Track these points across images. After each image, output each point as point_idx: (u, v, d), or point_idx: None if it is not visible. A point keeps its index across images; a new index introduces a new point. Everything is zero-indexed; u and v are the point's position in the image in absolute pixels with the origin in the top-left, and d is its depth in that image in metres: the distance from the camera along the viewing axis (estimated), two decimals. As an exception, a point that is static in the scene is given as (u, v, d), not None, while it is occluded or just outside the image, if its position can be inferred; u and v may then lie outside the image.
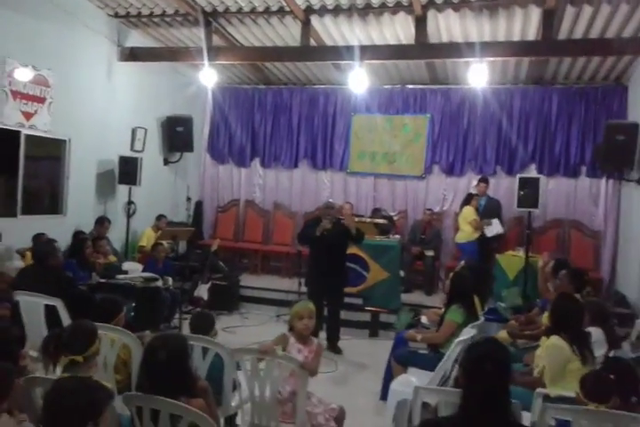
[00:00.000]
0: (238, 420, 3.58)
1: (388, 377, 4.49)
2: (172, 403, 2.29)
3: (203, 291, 7.39)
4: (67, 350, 2.57)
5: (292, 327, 3.48)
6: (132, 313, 5.45)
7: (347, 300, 6.74)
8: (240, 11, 7.12)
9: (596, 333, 3.75)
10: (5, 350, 2.59)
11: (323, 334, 6.28)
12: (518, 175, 7.09)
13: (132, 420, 2.44)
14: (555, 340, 3.37)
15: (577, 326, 3.43)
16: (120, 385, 3.34)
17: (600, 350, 3.76)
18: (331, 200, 7.15)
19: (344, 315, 6.61)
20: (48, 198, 6.93)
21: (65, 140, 6.92)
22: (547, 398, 3.07)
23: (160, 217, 8.24)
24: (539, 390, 3.26)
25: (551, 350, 3.37)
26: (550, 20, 6.26)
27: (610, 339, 3.85)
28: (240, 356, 3.19)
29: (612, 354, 3.80)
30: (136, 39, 8.04)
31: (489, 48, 6.53)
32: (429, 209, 8.81)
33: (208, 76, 7.59)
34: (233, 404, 3.37)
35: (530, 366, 3.79)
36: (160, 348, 2.41)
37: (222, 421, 3.21)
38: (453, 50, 6.80)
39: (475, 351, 2.02)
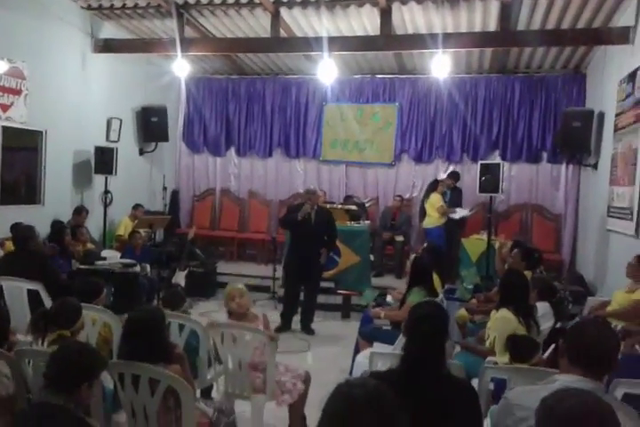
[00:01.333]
0: (214, 393, 3.87)
1: (356, 353, 4.78)
2: (151, 368, 2.55)
3: (180, 278, 7.58)
4: (55, 324, 2.80)
5: (230, 311, 3.73)
6: (111, 298, 5.66)
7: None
8: (211, 2, 7.28)
9: (542, 307, 4.08)
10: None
11: (296, 317, 6.57)
12: (480, 162, 7.40)
13: (115, 385, 2.69)
14: (503, 312, 3.68)
15: (522, 300, 3.74)
16: (102, 361, 3.58)
17: (547, 323, 4.10)
18: (312, 186, 7.37)
19: (317, 298, 6.87)
20: (26, 189, 7.05)
21: (41, 132, 7.04)
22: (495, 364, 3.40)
23: (137, 206, 8.41)
24: (489, 358, 3.59)
25: (500, 322, 3.67)
26: (508, 11, 6.55)
27: (557, 313, 4.18)
28: (213, 330, 3.45)
29: (558, 325, 4.15)
30: (109, 31, 8.16)
31: (451, 39, 6.81)
32: (399, 196, 9.12)
33: (181, 67, 7.77)
34: (208, 377, 3.64)
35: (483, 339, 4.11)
36: (139, 318, 2.67)
37: (198, 392, 3.48)
38: (418, 41, 7.07)
39: (415, 312, 2.31)
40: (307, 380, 3.60)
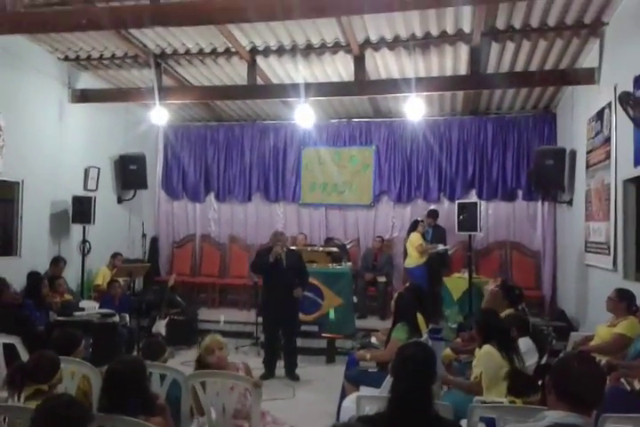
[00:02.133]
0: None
1: (343, 398, 4.68)
2: (132, 421, 2.47)
3: (160, 327, 7.45)
4: (31, 379, 2.71)
5: (207, 365, 3.56)
6: (90, 349, 5.52)
7: (303, 327, 6.95)
8: (188, 52, 7.44)
9: (524, 343, 4.08)
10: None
11: (280, 363, 6.46)
12: (457, 201, 7.50)
13: (94, 440, 2.59)
14: (486, 348, 3.69)
15: (502, 335, 3.76)
16: (81, 416, 3.46)
17: (532, 359, 4.08)
18: (279, 229, 7.39)
19: (300, 343, 6.77)
20: (1, 240, 6.96)
21: (18, 182, 7.00)
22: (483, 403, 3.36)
23: (115, 255, 8.32)
24: (476, 398, 3.54)
25: (484, 358, 3.67)
26: (477, 55, 6.77)
27: (540, 348, 4.18)
28: (195, 379, 3.37)
29: (543, 361, 4.13)
30: (87, 81, 8.25)
31: (424, 83, 7.01)
32: (379, 236, 9.17)
33: (159, 116, 7.84)
34: (191, 427, 3.53)
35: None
36: (119, 369, 2.60)
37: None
38: (391, 86, 7.27)
39: (401, 352, 2.29)
40: None
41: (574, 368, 2.06)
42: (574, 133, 7.40)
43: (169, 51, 7.42)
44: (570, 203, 7.62)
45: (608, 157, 5.77)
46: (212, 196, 10.29)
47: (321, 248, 8.50)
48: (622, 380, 3.63)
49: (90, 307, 6.61)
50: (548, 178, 7.65)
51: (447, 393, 4.04)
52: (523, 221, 8.99)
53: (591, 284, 6.54)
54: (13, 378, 2.80)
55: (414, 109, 7.11)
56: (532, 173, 8.19)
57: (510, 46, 6.72)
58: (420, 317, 4.73)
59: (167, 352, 3.76)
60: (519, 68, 7.24)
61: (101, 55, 7.63)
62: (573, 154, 7.38)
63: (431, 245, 8.16)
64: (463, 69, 7.38)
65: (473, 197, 8.90)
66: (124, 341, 6.36)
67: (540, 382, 3.38)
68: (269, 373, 6.27)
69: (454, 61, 7.22)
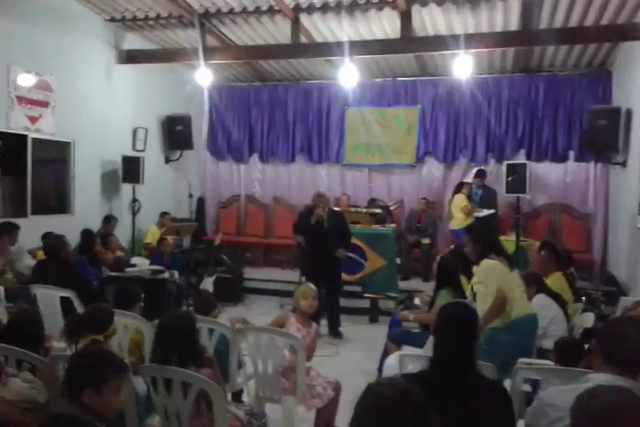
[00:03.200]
0: (244, 396, 3.89)
1: (385, 356, 4.75)
2: (183, 372, 2.58)
3: (208, 284, 7.63)
4: (88, 330, 2.85)
5: (297, 307, 3.75)
6: (142, 304, 5.72)
7: (346, 288, 7.01)
8: (231, 11, 7.37)
9: (540, 298, 4.18)
10: (33, 333, 2.88)
11: (324, 321, 6.58)
12: (506, 162, 7.33)
13: (148, 389, 2.73)
14: (486, 261, 3.79)
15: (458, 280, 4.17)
16: (134, 367, 3.62)
17: (551, 313, 4.15)
18: (321, 190, 7.39)
19: (344, 302, 6.88)
20: (56, 199, 7.20)
21: (69, 143, 7.19)
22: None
23: (164, 214, 8.52)
24: (520, 360, 3.53)
25: (492, 269, 3.78)
26: (529, 10, 6.50)
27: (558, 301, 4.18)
28: (244, 334, 3.47)
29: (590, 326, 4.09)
30: (133, 42, 8.30)
31: (473, 40, 6.77)
32: (424, 198, 9.07)
33: (204, 76, 7.86)
34: (239, 380, 3.66)
35: None
36: (171, 322, 2.70)
37: (229, 396, 3.51)
38: (439, 43, 7.04)
39: (443, 313, 2.30)
40: (337, 388, 3.59)
41: (621, 331, 2.04)
42: (631, 92, 7.07)
43: (212, 10, 7.36)
44: (624, 164, 7.35)
45: (667, 116, 5.52)
46: (255, 157, 10.33)
47: (364, 209, 8.48)
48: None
49: (141, 263, 6.83)
50: (601, 138, 7.37)
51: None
52: (574, 182, 8.73)
53: (643, 248, 6.37)
54: (70, 329, 2.93)
55: (462, 67, 6.91)
56: (585, 134, 7.90)
57: (564, 0, 6.40)
58: (463, 278, 4.71)
59: (217, 308, 3.87)
60: (573, 22, 6.89)
61: (146, 16, 7.64)
62: (629, 114, 7.07)
63: (477, 208, 8.02)
64: (514, 25, 7.08)
65: (522, 158, 8.66)
66: (173, 296, 6.57)
67: (586, 347, 3.36)
68: (313, 330, 6.39)
69: (505, 17, 6.93)
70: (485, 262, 3.84)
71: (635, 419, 1.49)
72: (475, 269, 4.02)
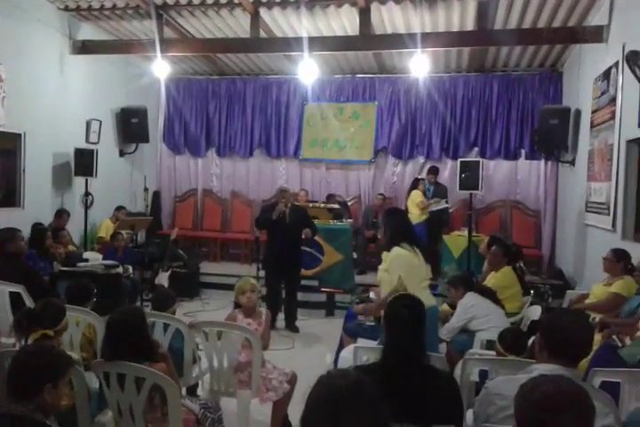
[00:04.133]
0: (199, 391, 3.89)
1: (340, 349, 4.82)
2: (136, 366, 2.57)
3: (163, 279, 7.55)
4: (38, 324, 2.80)
5: (238, 304, 3.78)
6: (94, 299, 5.63)
7: (303, 282, 7.05)
8: (190, 3, 7.28)
9: (471, 296, 4.42)
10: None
11: (281, 315, 6.62)
12: (459, 159, 7.48)
13: (100, 385, 2.70)
14: (396, 249, 3.73)
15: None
16: (86, 362, 3.58)
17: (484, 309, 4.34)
18: (284, 185, 7.41)
19: (301, 297, 6.94)
20: (5, 192, 6.99)
21: (20, 134, 6.98)
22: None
23: (119, 208, 8.38)
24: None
25: (398, 258, 3.72)
26: (485, 11, 6.64)
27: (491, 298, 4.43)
28: (198, 328, 3.47)
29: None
30: (88, 32, 8.11)
31: (430, 39, 6.87)
32: (381, 194, 9.19)
33: (161, 68, 7.75)
34: (193, 375, 3.66)
35: None
36: (119, 319, 2.69)
37: (184, 390, 3.50)
38: (396, 41, 7.12)
39: (392, 302, 2.37)
40: (292, 380, 3.63)
41: (564, 325, 2.13)
42: (580, 93, 7.31)
43: (170, 1, 7.25)
44: (572, 163, 7.61)
45: (613, 117, 5.73)
46: (213, 151, 10.26)
47: (322, 205, 8.54)
48: (614, 337, 3.73)
49: (93, 258, 6.69)
50: (551, 137, 7.61)
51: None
52: (524, 180, 8.99)
53: (590, 243, 6.61)
54: (20, 322, 2.88)
55: (419, 66, 7.03)
56: (536, 132, 8.14)
57: (519, 2, 6.57)
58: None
59: (175, 304, 3.85)
60: (527, 24, 7.09)
61: (102, 5, 7.47)
62: (578, 113, 7.31)
63: (432, 200, 8.18)
64: (470, 25, 7.23)
65: (475, 156, 8.87)
66: (127, 292, 6.49)
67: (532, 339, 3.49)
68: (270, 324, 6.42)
69: (461, 16, 7.07)
70: (395, 251, 3.74)
71: (573, 406, 1.57)
72: (384, 255, 3.91)
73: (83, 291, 3.84)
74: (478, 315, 4.33)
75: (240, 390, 3.49)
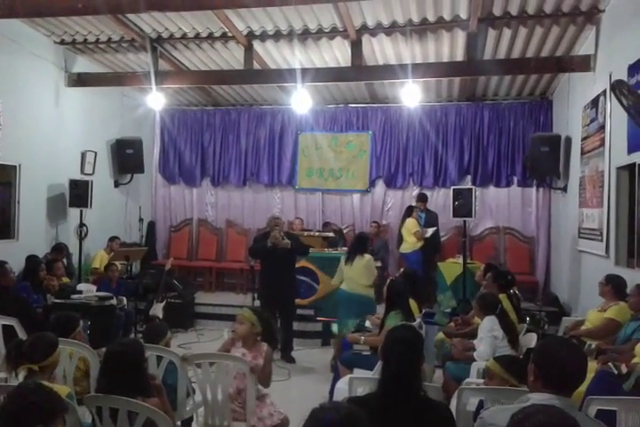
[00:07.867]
0: (194, 424, 3.83)
1: (336, 379, 4.77)
2: (130, 401, 2.54)
3: (158, 310, 7.49)
4: (25, 358, 2.76)
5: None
6: (88, 331, 5.58)
7: (299, 311, 7.01)
8: (184, 36, 7.41)
9: (489, 320, 4.27)
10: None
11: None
12: (452, 187, 7.55)
13: (93, 419, 2.67)
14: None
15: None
16: (80, 396, 3.53)
17: (497, 333, 4.25)
18: (276, 213, 7.42)
19: (297, 326, 6.89)
20: (-1, 223, 7.00)
21: (15, 166, 7.02)
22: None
23: (113, 238, 8.36)
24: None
25: None
26: (474, 42, 6.77)
27: (504, 327, 4.27)
28: (191, 361, 3.44)
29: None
30: (83, 65, 8.23)
31: (420, 69, 7.00)
32: (375, 222, 9.22)
33: (156, 100, 7.85)
34: (187, 408, 3.61)
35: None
36: (118, 350, 2.66)
37: (179, 424, 3.45)
38: (387, 71, 7.26)
39: (390, 335, 2.36)
40: (284, 422, 3.57)
41: (558, 355, 2.13)
42: (570, 120, 7.43)
43: (165, 35, 7.39)
44: (564, 189, 7.67)
45: (602, 144, 5.81)
46: (208, 180, 10.31)
47: (317, 233, 8.55)
48: (610, 364, 3.72)
49: (87, 290, 6.65)
50: (543, 164, 7.71)
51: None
52: (517, 207, 9.05)
53: (584, 270, 6.62)
54: (9, 355, 2.84)
55: (411, 95, 7.14)
56: (528, 160, 8.24)
57: (507, 33, 6.72)
58: (412, 301, 4.81)
59: (167, 335, 3.82)
60: (516, 54, 7.25)
61: (97, 39, 7.59)
62: (569, 141, 7.41)
63: (423, 229, 8.21)
64: (460, 56, 7.37)
65: (468, 184, 8.94)
66: (121, 323, 6.43)
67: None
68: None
69: (451, 47, 7.22)
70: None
71: None
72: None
73: (67, 322, 3.79)
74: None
75: (234, 422, 3.44)
